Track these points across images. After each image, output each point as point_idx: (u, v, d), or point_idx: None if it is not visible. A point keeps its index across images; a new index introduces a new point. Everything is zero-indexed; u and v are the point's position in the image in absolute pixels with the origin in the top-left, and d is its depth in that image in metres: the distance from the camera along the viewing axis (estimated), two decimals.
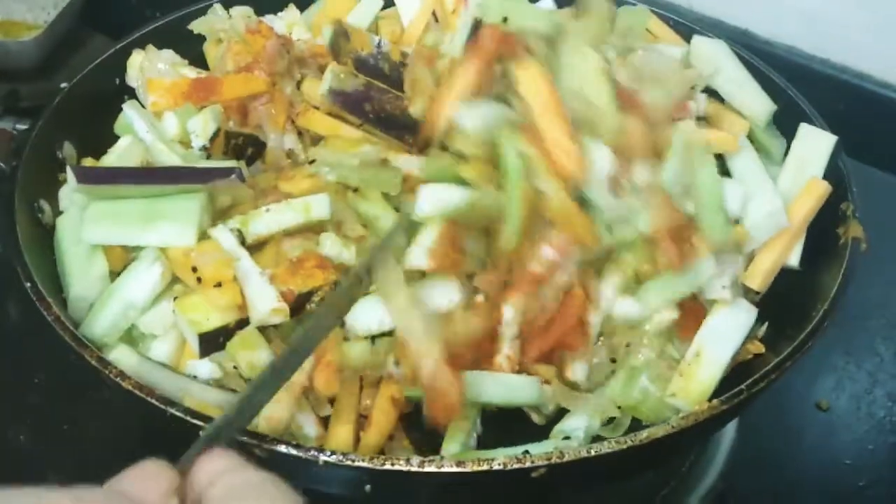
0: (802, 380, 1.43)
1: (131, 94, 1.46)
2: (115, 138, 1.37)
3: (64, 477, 1.27)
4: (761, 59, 1.49)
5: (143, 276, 1.13)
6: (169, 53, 1.49)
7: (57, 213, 1.26)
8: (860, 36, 1.81)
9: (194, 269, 1.12)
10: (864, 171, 1.61)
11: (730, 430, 1.35)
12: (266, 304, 1.09)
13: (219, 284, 1.11)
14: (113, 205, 1.16)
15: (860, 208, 1.24)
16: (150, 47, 1.47)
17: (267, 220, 1.17)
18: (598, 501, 1.29)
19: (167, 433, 1.06)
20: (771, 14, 1.89)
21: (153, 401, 0.96)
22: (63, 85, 1.39)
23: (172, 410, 0.95)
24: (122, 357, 1.11)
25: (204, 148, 1.30)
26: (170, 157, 1.28)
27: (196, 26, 1.52)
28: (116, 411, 1.30)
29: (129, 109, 1.36)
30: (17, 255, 1.11)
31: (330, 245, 1.16)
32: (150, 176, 1.20)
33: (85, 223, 1.15)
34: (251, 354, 1.10)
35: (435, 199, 1.16)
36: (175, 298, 1.13)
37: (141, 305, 1.13)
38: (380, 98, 1.32)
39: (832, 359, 1.47)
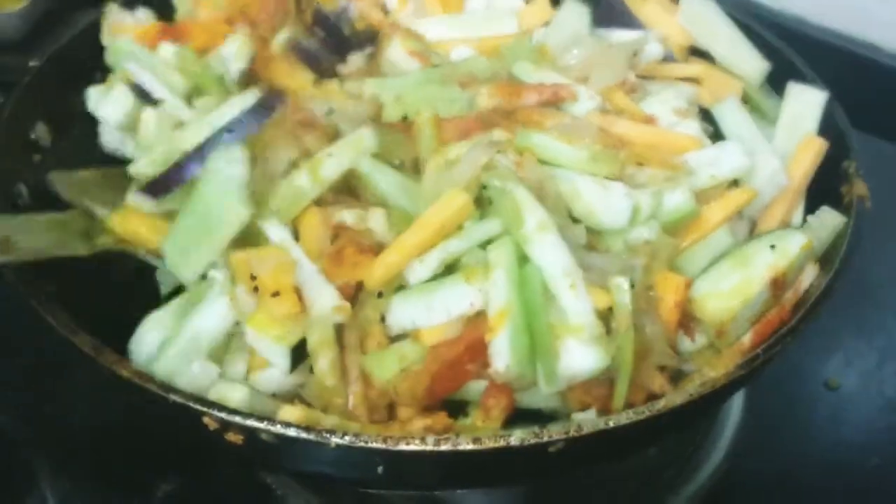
0: (811, 358, 1.40)
1: (104, 70, 1.39)
2: (89, 116, 1.31)
3: (50, 457, 1.27)
4: (769, 30, 1.45)
5: (212, 309, 1.06)
6: (143, 13, 1.44)
7: (33, 195, 1.20)
8: (871, 6, 1.78)
9: (253, 278, 1.05)
10: (875, 143, 1.60)
11: (736, 409, 1.33)
12: (327, 302, 1.03)
13: (276, 293, 1.03)
14: (176, 234, 1.09)
15: (870, 180, 1.21)
16: (111, 5, 1.41)
17: (332, 163, 1.12)
18: (604, 481, 1.28)
19: (149, 412, 1.03)
20: None
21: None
22: (32, 63, 1.33)
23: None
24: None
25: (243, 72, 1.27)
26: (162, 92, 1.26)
27: None
28: (98, 389, 1.22)
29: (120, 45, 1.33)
30: None
31: (377, 220, 1.11)
32: (209, 146, 1.11)
33: (178, 269, 1.09)
34: (329, 353, 1.03)
35: None
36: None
37: (211, 339, 1.06)
38: (329, 60, 1.31)
39: (841, 337, 1.44)
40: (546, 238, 1.04)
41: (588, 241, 1.12)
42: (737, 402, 1.34)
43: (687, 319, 1.10)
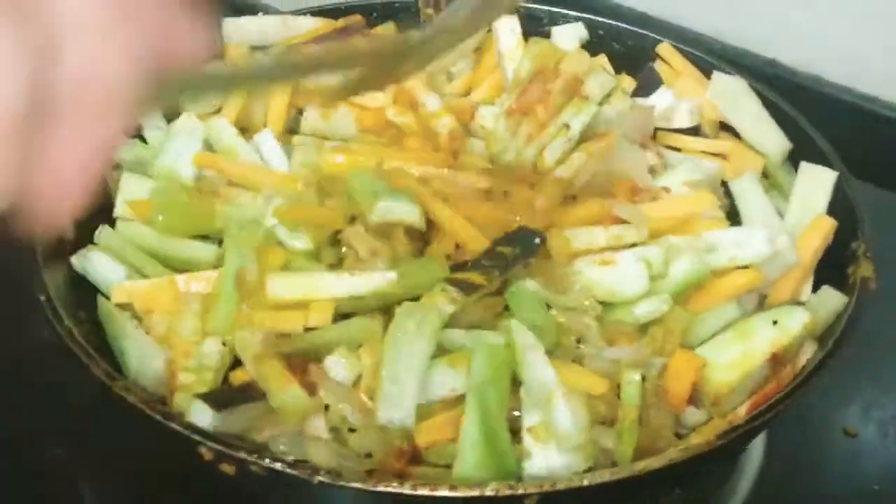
0: (829, 406, 1.39)
1: None
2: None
3: (96, 488, 1.30)
4: (786, 88, 1.48)
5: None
6: None
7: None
8: (889, 66, 1.79)
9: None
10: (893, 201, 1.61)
11: (755, 456, 1.32)
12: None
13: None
14: None
15: (888, 241, 1.24)
16: None
17: None
18: None
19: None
20: (798, 44, 1.86)
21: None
22: None
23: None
24: None
25: None
26: None
27: None
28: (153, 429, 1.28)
29: None
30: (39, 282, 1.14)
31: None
32: None
33: None
34: None
35: None
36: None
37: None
38: None
39: (860, 386, 1.43)
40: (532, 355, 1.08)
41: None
42: (758, 448, 1.33)
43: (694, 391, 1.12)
